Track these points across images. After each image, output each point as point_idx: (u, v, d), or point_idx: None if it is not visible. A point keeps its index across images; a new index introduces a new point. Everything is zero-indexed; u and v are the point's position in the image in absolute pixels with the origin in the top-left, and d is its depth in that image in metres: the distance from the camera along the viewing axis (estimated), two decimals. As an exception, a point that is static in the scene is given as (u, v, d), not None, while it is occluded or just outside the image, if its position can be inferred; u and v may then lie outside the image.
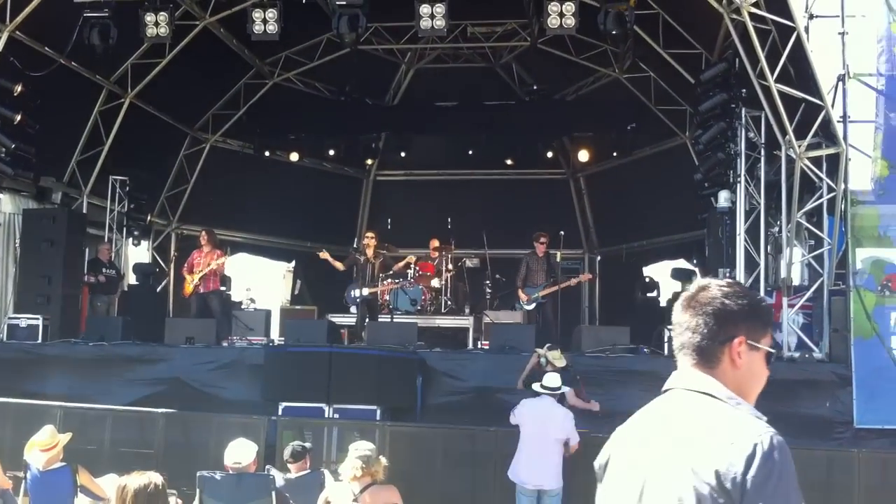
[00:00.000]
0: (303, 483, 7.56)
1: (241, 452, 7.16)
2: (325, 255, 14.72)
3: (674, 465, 2.31)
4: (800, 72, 11.31)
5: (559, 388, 9.08)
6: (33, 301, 13.83)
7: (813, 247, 12.11)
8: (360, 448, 6.83)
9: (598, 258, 19.87)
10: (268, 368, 11.52)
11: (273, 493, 6.97)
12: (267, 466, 8.00)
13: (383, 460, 6.88)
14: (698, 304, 2.45)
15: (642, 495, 2.38)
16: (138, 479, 4.96)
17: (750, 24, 10.83)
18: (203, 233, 14.65)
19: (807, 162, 11.36)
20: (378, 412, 10.68)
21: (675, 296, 15.21)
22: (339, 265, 14.60)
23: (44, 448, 7.65)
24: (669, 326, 11.77)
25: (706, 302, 2.44)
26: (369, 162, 20.52)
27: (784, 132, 11.33)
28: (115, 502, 4.96)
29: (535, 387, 9.12)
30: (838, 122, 11.42)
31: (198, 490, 7.08)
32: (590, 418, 9.55)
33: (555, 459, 8.84)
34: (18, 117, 13.13)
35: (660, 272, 17.72)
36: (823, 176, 11.54)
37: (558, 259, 14.03)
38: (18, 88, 13.08)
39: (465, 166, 19.62)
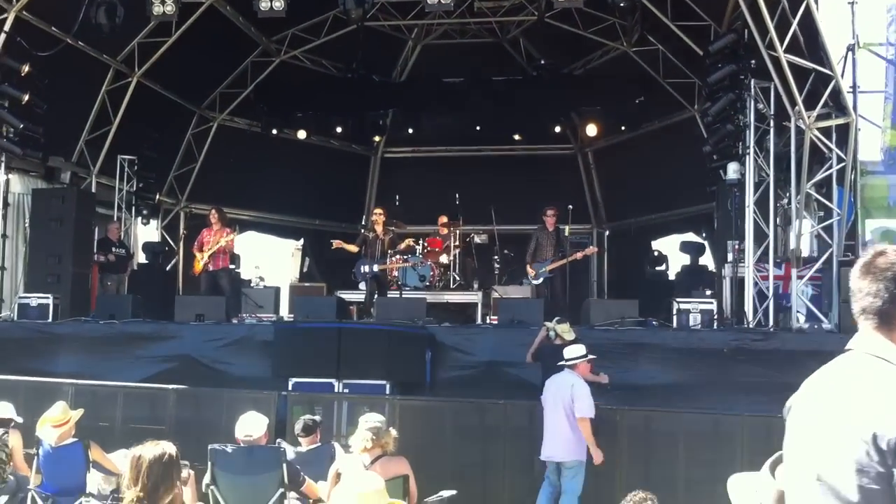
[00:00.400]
0: (314, 456, 7.59)
1: (252, 425, 7.18)
2: (338, 243, 14.52)
3: (837, 423, 2.35)
4: (809, 42, 11.22)
5: (574, 358, 9.03)
6: (43, 280, 13.88)
7: (822, 218, 12.06)
8: (371, 420, 6.83)
9: (607, 233, 19.82)
10: (277, 344, 11.54)
11: (284, 466, 7.00)
12: (278, 440, 8.03)
13: (393, 432, 6.87)
14: (878, 270, 2.48)
15: (806, 447, 2.45)
16: (152, 450, 4.96)
17: (759, -6, 10.75)
18: (213, 211, 14.60)
19: (816, 132, 11.31)
20: (388, 387, 10.69)
21: (685, 269, 15.32)
22: (352, 248, 14.48)
23: (56, 424, 7.69)
24: (679, 299, 11.78)
25: (885, 267, 2.47)
26: (377, 139, 20.47)
27: (793, 103, 11.26)
28: (130, 473, 4.95)
29: (561, 363, 9.12)
30: (848, 92, 11.36)
31: (209, 463, 7.10)
32: (599, 391, 9.54)
33: (566, 431, 8.75)
34: (26, 97, 13.12)
35: (668, 246, 17.71)
36: (833, 146, 11.48)
37: (566, 234, 13.99)
38: (26, 68, 13.05)
39: (473, 142, 19.63)
